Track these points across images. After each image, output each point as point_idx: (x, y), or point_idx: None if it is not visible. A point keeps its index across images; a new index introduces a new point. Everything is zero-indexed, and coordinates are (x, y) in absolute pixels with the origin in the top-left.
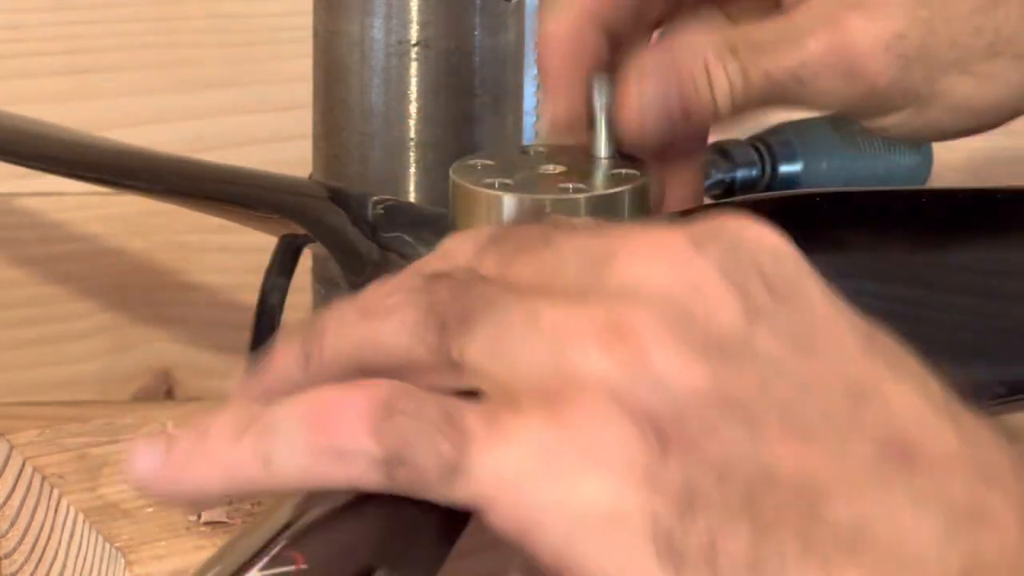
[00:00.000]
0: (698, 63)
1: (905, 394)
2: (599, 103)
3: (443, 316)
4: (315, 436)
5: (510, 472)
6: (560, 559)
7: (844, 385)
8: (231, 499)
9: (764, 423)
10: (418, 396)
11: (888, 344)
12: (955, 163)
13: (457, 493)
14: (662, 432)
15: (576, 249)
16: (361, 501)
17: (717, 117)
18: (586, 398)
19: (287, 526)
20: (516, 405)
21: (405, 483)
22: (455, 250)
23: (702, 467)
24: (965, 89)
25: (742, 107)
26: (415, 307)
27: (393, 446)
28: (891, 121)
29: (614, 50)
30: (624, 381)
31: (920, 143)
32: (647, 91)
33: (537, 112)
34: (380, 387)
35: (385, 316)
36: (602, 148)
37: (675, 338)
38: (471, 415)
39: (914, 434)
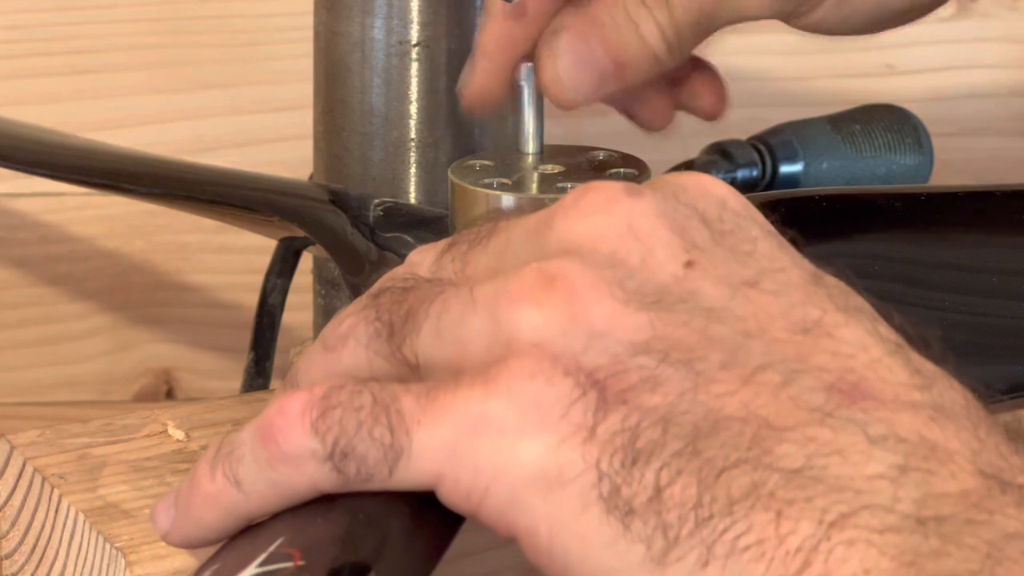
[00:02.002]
0: (619, 11)
1: (853, 331)
2: (527, 89)
3: (390, 322)
4: (267, 447)
5: (448, 445)
6: (510, 525)
7: (789, 324)
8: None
9: (706, 368)
10: (352, 387)
11: (836, 284)
12: (955, 163)
13: (406, 475)
14: (601, 385)
15: (522, 227)
16: (357, 499)
17: (658, 61)
18: (520, 359)
19: (284, 524)
20: (456, 380)
21: (355, 476)
22: (418, 261)
23: (645, 417)
24: None
25: (676, 43)
26: (365, 323)
27: (332, 439)
28: (819, 15)
29: None
30: (559, 336)
31: (854, 32)
32: (561, 54)
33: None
34: (318, 386)
35: (342, 342)
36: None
37: (610, 288)
38: (407, 397)
39: (863, 371)
